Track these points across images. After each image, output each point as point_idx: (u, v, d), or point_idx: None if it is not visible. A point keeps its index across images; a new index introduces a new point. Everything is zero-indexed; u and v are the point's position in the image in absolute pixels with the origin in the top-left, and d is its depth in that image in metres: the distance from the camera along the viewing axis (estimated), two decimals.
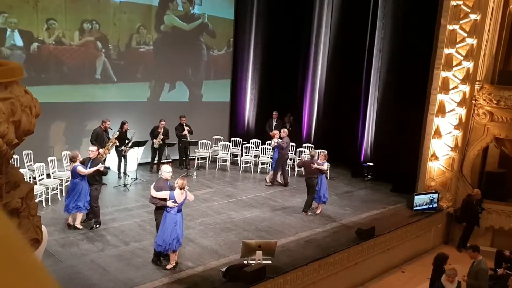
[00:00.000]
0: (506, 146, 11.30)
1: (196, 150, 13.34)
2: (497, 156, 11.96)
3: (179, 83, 13.84)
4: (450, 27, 10.77)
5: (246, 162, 13.41)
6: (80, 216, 8.41)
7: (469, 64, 10.76)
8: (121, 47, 12.36)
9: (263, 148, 13.53)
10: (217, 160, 13.40)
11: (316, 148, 12.54)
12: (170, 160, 12.38)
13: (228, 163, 13.40)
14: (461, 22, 10.67)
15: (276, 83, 15.04)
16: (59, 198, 9.86)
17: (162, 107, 13.17)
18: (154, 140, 12.09)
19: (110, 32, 12.09)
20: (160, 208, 7.17)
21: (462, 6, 10.60)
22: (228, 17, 14.70)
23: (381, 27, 12.91)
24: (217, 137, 14.13)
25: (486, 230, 11.04)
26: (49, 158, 10.21)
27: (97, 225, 8.52)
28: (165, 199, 7.02)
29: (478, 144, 11.18)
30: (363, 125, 13.72)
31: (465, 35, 10.66)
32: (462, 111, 10.99)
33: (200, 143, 13.36)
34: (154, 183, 7.39)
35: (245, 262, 7.20)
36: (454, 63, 10.87)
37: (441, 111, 11.10)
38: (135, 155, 11.81)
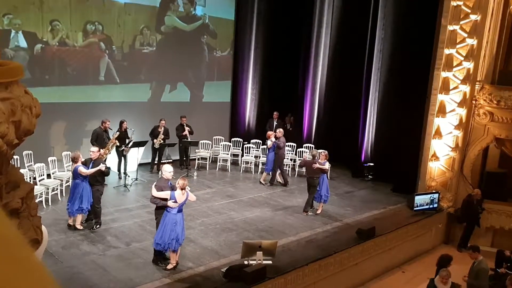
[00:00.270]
0: (506, 146, 11.30)
1: (196, 150, 13.34)
2: (497, 156, 11.97)
3: (180, 84, 13.85)
4: (450, 27, 10.78)
5: (247, 162, 13.41)
6: (80, 217, 8.42)
7: (469, 65, 10.77)
8: (124, 48, 12.38)
9: (264, 148, 13.53)
10: (218, 160, 13.40)
11: (316, 148, 12.53)
12: (171, 160, 12.36)
13: (228, 163, 13.41)
14: (461, 22, 10.68)
15: (277, 83, 15.06)
16: (59, 199, 9.86)
17: (163, 107, 13.18)
18: (155, 140, 12.08)
19: (114, 34, 12.11)
20: (161, 207, 7.16)
21: (463, 7, 10.61)
22: (229, 17, 14.72)
23: (381, 27, 12.91)
24: (217, 137, 14.14)
25: (487, 230, 11.04)
26: (50, 159, 10.22)
27: (98, 226, 8.53)
28: (166, 199, 7.00)
29: (479, 144, 11.18)
30: (363, 125, 13.72)
31: (466, 35, 10.67)
32: (463, 112, 11.00)
33: (201, 143, 13.38)
34: (155, 183, 7.38)
35: (246, 262, 7.20)
36: (455, 64, 10.88)
37: (442, 111, 11.10)
38: (136, 155, 11.82)
